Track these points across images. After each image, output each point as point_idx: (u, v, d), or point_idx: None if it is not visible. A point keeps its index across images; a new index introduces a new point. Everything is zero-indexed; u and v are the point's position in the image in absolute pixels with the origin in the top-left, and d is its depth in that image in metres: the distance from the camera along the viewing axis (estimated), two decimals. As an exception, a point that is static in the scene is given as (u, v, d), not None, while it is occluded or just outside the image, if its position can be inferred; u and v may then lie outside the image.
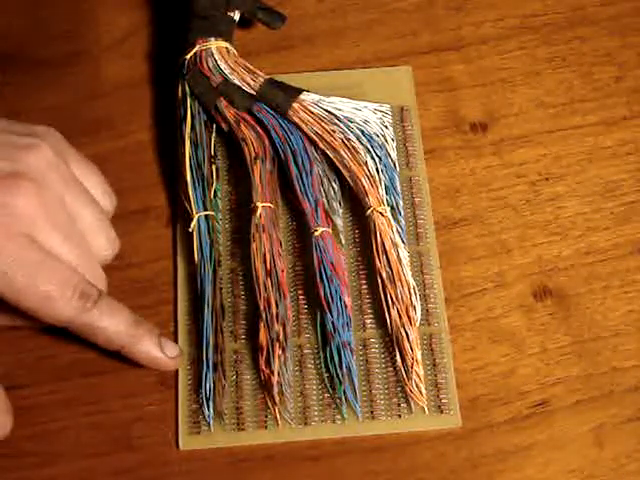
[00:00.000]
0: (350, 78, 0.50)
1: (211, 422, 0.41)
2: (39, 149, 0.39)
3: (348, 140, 0.45)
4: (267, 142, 0.45)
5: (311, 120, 0.45)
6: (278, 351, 0.41)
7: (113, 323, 0.40)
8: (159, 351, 0.41)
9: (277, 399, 0.41)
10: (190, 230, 0.44)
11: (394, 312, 0.42)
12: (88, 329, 0.40)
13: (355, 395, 0.41)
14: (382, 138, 0.46)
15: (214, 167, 0.46)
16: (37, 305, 0.38)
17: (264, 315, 0.42)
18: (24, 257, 0.37)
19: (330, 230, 0.44)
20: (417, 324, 0.42)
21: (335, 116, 0.46)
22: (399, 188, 0.45)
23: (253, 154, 0.45)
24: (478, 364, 0.43)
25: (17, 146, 0.39)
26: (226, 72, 0.47)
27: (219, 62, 0.47)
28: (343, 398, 0.41)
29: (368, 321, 0.43)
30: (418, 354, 0.41)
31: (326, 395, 0.42)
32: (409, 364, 0.41)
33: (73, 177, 0.41)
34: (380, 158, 0.45)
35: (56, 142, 0.41)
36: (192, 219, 0.44)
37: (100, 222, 0.41)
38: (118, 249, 0.43)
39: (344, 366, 0.41)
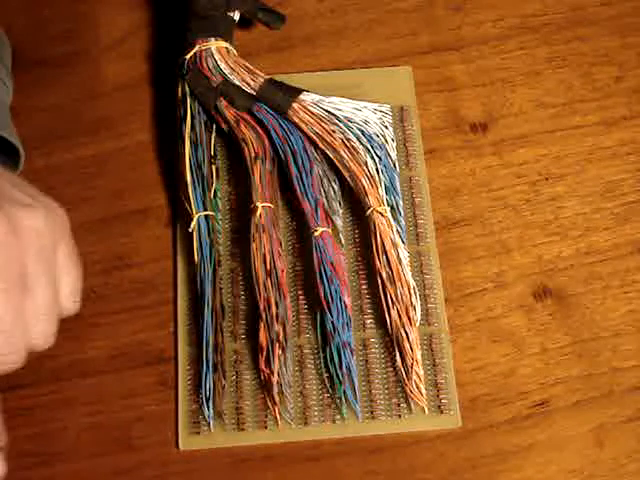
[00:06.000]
0: (350, 78, 0.50)
1: (211, 422, 0.41)
2: (34, 211, 0.35)
3: (348, 140, 0.45)
4: (267, 142, 0.45)
5: (311, 120, 0.45)
6: (278, 351, 0.41)
7: None
8: None
9: (277, 399, 0.41)
10: (190, 230, 0.44)
11: (394, 312, 0.42)
12: None
13: (355, 395, 0.41)
14: (382, 138, 0.46)
15: (214, 167, 0.46)
16: None
17: (264, 315, 0.42)
18: None
19: (330, 230, 0.44)
20: (417, 324, 0.42)
21: (335, 116, 0.46)
22: (399, 188, 0.45)
23: (253, 154, 0.45)
24: (478, 364, 0.43)
25: (17, 201, 0.35)
26: (226, 72, 0.47)
27: (219, 62, 0.47)
28: (343, 398, 0.41)
29: (368, 321, 0.43)
30: (418, 354, 0.41)
31: (326, 395, 0.42)
32: (409, 364, 0.41)
33: (49, 258, 0.36)
34: (380, 158, 0.45)
35: (59, 221, 0.37)
36: (192, 219, 0.44)
37: (47, 312, 0.36)
38: (49, 346, 0.36)
39: (344, 366, 0.41)
